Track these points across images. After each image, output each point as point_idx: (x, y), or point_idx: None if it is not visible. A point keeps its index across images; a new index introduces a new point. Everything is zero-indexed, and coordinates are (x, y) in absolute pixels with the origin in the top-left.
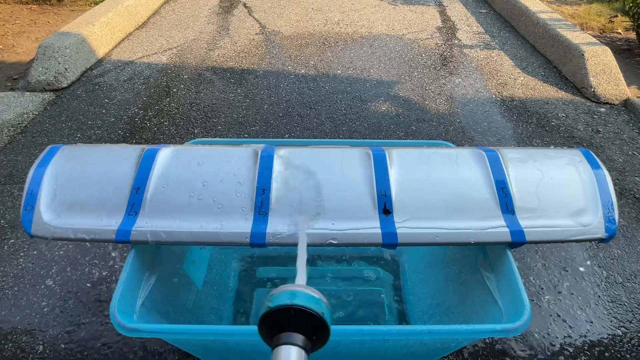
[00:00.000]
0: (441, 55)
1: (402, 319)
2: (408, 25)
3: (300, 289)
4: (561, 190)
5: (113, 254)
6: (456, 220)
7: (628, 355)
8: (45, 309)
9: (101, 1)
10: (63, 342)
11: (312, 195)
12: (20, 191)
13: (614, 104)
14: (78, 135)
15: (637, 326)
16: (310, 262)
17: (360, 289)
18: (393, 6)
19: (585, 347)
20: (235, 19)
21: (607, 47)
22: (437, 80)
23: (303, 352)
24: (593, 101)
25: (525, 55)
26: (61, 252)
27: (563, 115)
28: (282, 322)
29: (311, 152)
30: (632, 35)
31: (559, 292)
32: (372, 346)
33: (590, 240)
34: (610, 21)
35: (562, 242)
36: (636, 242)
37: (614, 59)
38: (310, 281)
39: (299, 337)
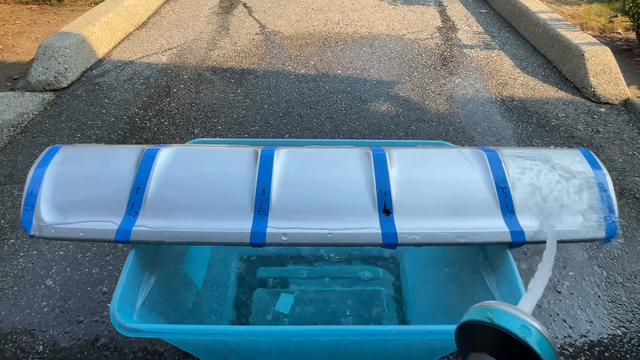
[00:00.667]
0: (441, 55)
1: (402, 319)
2: (408, 25)
3: (537, 327)
4: (561, 190)
5: (113, 254)
6: (456, 220)
7: (628, 355)
8: (45, 309)
9: (101, 1)
10: (63, 342)
11: (312, 195)
12: (20, 191)
13: (614, 104)
14: (78, 135)
15: (637, 326)
16: (310, 262)
17: (361, 289)
18: (393, 6)
19: (585, 347)
20: (235, 19)
21: (607, 47)
22: (437, 80)
23: None
24: (593, 101)
25: (525, 55)
26: (61, 252)
27: (563, 115)
28: (490, 342)
29: (311, 152)
30: (632, 35)
31: (559, 292)
32: (372, 346)
33: (590, 241)
34: (610, 21)
35: (562, 242)
36: (636, 242)
37: (614, 59)
38: (310, 281)
39: None
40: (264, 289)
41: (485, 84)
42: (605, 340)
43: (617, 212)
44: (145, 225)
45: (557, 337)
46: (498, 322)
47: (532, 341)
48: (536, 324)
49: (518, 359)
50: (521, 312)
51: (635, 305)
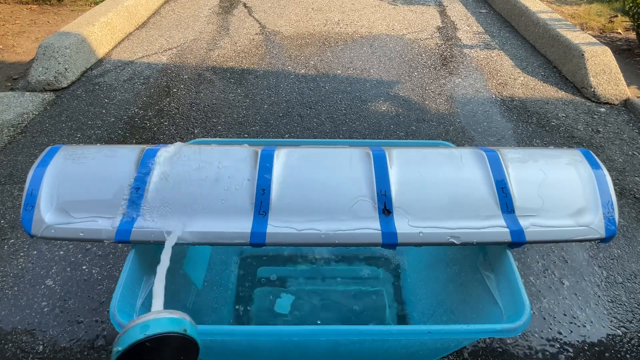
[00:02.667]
0: (441, 55)
1: (402, 319)
2: (408, 25)
3: (152, 317)
4: (561, 190)
5: (113, 254)
6: (456, 220)
7: (628, 356)
8: (45, 309)
9: (101, 1)
10: (63, 342)
11: (312, 195)
12: (20, 191)
13: (614, 104)
14: (78, 135)
15: (637, 326)
16: (311, 262)
17: (360, 289)
18: (393, 6)
19: (585, 347)
20: (235, 19)
21: (607, 47)
22: (437, 80)
23: None
24: (593, 101)
25: (525, 55)
26: (61, 252)
27: (563, 115)
28: (143, 357)
29: (311, 152)
30: (632, 35)
31: (559, 292)
32: (372, 346)
33: (590, 240)
34: (610, 21)
35: (562, 242)
36: (636, 242)
37: (614, 59)
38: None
39: None
40: (264, 288)
41: (485, 84)
42: (605, 340)
43: (617, 212)
44: (145, 225)
45: (557, 337)
46: (123, 346)
47: (154, 328)
48: (149, 317)
49: (171, 346)
50: (138, 318)
51: (635, 305)
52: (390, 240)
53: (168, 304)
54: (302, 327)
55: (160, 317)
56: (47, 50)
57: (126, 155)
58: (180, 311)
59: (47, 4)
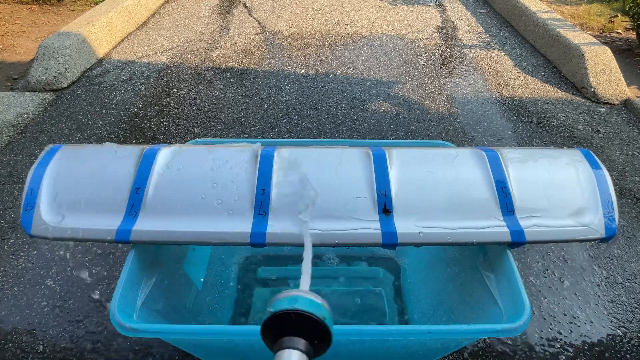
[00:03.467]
0: (441, 55)
1: (402, 319)
2: (408, 25)
3: (302, 294)
4: (561, 190)
5: (113, 254)
6: (456, 220)
7: (628, 356)
8: (45, 309)
9: (101, 1)
10: (63, 342)
11: (311, 195)
12: (20, 191)
13: (614, 104)
14: (78, 135)
15: (637, 326)
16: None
17: (360, 289)
18: (393, 6)
19: (585, 347)
20: (235, 19)
21: (607, 47)
22: (437, 80)
23: (305, 357)
24: (593, 101)
25: (525, 55)
26: (61, 252)
27: (563, 115)
28: (284, 327)
29: (311, 152)
30: (632, 35)
31: (559, 292)
32: (372, 346)
33: (590, 240)
34: (610, 21)
35: (562, 242)
36: (636, 242)
37: (614, 59)
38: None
39: (301, 342)
40: (264, 288)
41: (485, 84)
42: (605, 340)
43: (617, 212)
44: (145, 225)
45: (557, 337)
46: (274, 309)
47: (301, 305)
48: (302, 293)
49: (307, 327)
50: (291, 291)
51: (635, 305)
52: (390, 240)
53: (168, 304)
54: None
55: (307, 297)
56: (47, 50)
57: (126, 155)
58: (318, 295)
59: (47, 4)
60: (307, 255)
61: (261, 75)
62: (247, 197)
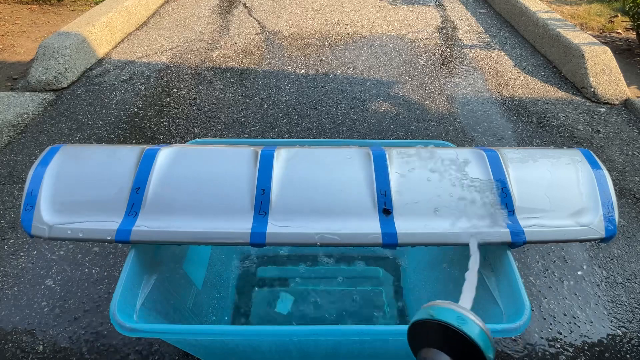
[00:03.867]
0: (441, 55)
1: (403, 319)
2: (408, 25)
3: (472, 318)
4: (561, 190)
5: (113, 254)
6: (456, 220)
7: (628, 356)
8: (45, 309)
9: (101, 1)
10: (63, 342)
11: (311, 195)
12: (20, 191)
13: (614, 104)
14: (78, 135)
15: (637, 326)
16: (310, 262)
17: (360, 289)
18: (393, 6)
19: (585, 347)
20: (235, 19)
21: (607, 47)
22: (437, 80)
23: None
24: (593, 101)
25: (525, 55)
26: (61, 252)
27: (563, 115)
28: (436, 337)
29: (311, 152)
30: (632, 35)
31: (559, 292)
32: (372, 346)
33: (590, 240)
34: (610, 21)
35: (562, 242)
36: (636, 242)
37: (614, 59)
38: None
39: None
40: (264, 288)
41: (485, 84)
42: (605, 340)
43: (617, 212)
44: (145, 225)
45: (557, 337)
46: (437, 317)
47: (468, 330)
48: (471, 316)
49: (460, 349)
50: (459, 307)
51: (635, 305)
52: (390, 240)
53: (168, 304)
54: (302, 327)
55: (477, 324)
56: (47, 50)
57: (126, 155)
58: (484, 323)
59: (47, 4)
60: (473, 269)
61: (261, 75)
62: (247, 197)
